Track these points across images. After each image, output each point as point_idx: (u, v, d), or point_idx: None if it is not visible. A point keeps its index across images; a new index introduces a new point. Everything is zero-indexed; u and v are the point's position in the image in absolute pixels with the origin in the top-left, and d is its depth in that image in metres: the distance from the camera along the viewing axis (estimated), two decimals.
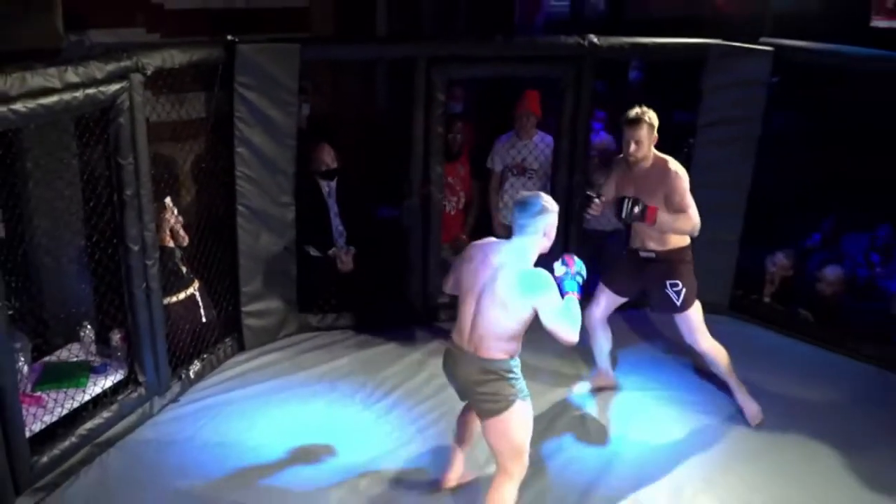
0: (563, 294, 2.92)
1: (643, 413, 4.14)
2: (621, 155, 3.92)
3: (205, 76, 4.14)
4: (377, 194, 5.24)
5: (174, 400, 4.05)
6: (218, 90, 4.16)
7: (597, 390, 4.28)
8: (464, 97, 5.50)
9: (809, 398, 4.24)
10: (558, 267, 3.04)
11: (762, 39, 4.86)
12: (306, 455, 3.65)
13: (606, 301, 4.10)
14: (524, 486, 3.10)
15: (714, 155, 4.88)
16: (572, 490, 3.46)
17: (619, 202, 3.72)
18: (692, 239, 3.91)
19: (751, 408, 4.01)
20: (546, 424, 3.91)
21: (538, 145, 5.08)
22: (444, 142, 4.76)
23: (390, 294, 4.99)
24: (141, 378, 3.83)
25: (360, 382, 4.29)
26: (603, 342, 4.18)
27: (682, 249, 3.91)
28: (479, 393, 2.92)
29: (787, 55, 4.74)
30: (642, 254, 3.96)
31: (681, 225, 3.76)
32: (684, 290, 3.86)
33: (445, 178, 4.88)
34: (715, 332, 4.02)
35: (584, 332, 3.27)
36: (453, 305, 3.24)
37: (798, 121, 5.59)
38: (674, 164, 3.80)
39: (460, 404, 3.30)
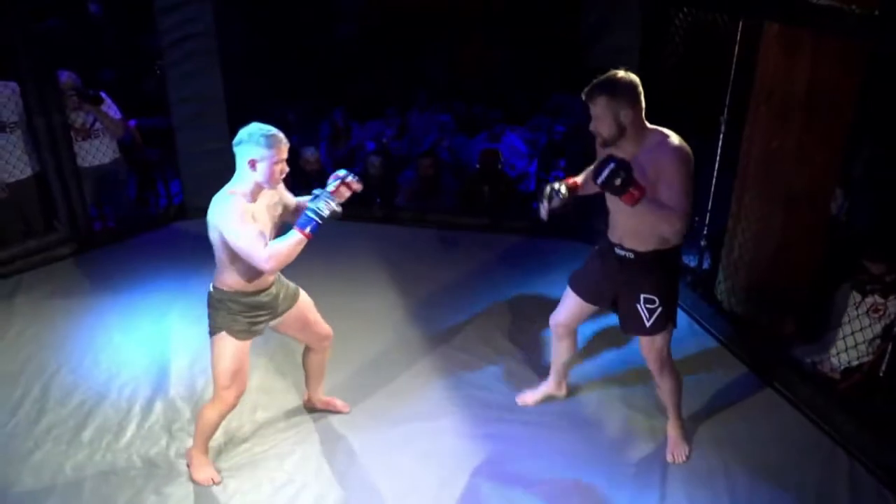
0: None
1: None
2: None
3: None
4: None
5: None
6: None
7: (545, 399, 3.69)
8: None
9: None
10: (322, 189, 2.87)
11: None
12: None
13: (571, 306, 3.34)
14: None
15: (183, 70, 5.25)
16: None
17: (601, 163, 2.76)
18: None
19: (679, 449, 3.34)
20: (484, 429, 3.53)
21: (4, 95, 4.82)
22: None
23: None
24: None
25: None
26: (560, 351, 3.53)
27: (667, 252, 3.02)
28: None
29: None
30: (618, 251, 3.08)
31: (661, 223, 2.85)
32: (660, 309, 3.05)
33: None
34: None
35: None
36: None
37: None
38: (673, 141, 2.84)
39: None
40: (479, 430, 3.50)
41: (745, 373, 3.92)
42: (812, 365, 3.77)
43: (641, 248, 3.01)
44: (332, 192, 2.83)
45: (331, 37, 8.56)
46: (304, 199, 2.98)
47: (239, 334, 3.00)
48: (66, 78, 4.95)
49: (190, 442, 3.33)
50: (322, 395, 3.62)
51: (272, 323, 3.13)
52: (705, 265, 4.62)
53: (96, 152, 5.13)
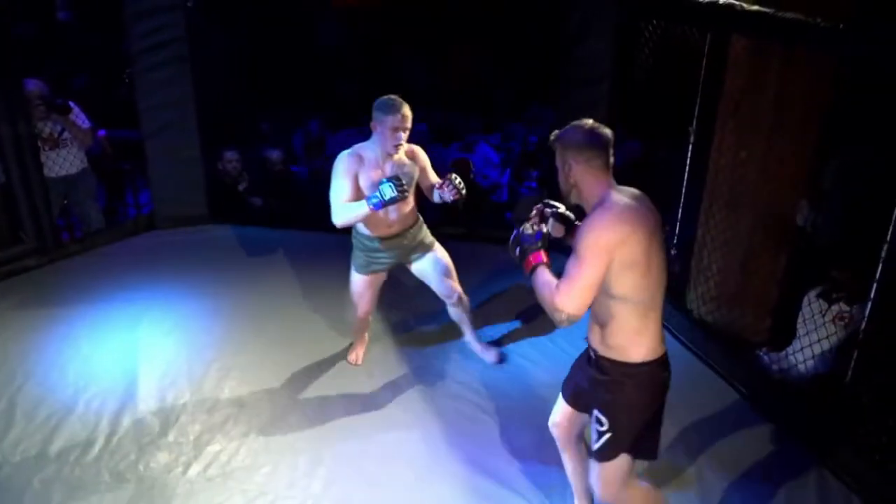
0: None
1: None
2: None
3: None
4: None
5: None
6: None
7: None
8: None
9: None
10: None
11: None
12: None
13: (561, 406, 2.76)
14: None
15: (154, 78, 5.20)
16: None
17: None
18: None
19: None
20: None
21: None
22: None
23: None
24: None
25: None
26: (569, 467, 2.89)
27: (634, 368, 2.38)
28: None
29: None
30: (588, 344, 2.55)
31: (545, 294, 2.28)
32: (608, 435, 2.44)
33: None
34: (201, 240, 4.32)
35: None
36: None
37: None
38: (601, 209, 2.33)
39: None
40: (454, 439, 3.50)
41: (715, 381, 3.97)
42: (780, 372, 3.82)
43: (601, 349, 2.42)
44: (397, 184, 3.24)
45: (310, 44, 8.52)
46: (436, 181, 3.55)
47: (358, 268, 3.67)
48: (34, 86, 4.88)
49: (160, 455, 3.32)
50: (475, 342, 4.05)
51: (411, 267, 3.74)
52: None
53: (63, 162, 5.06)
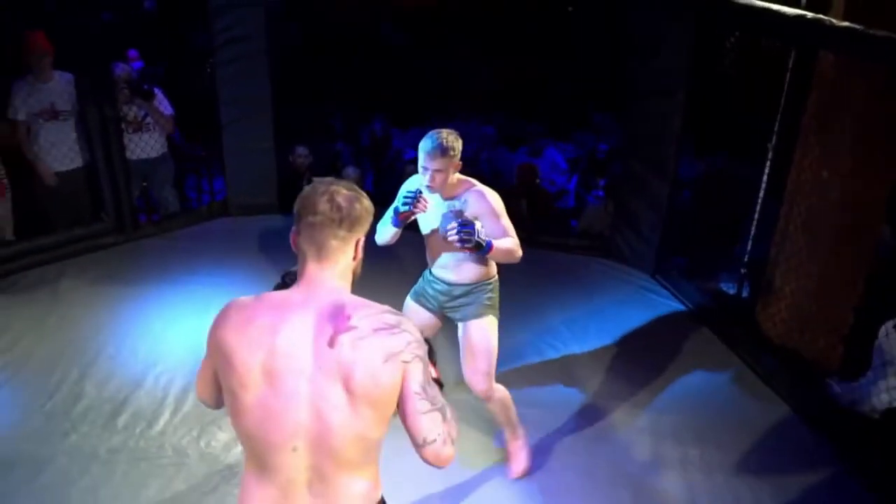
0: None
1: None
2: None
3: None
4: None
5: None
6: None
7: None
8: None
9: None
10: None
11: None
12: None
13: None
14: None
15: (234, 70, 5.34)
16: None
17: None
18: None
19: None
20: None
21: (61, 84, 4.95)
22: None
23: None
24: None
25: None
26: None
27: None
28: None
29: None
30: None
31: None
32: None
33: None
34: (270, 229, 4.38)
35: None
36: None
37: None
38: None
39: None
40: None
41: (781, 406, 3.85)
42: (851, 403, 3.69)
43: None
44: (409, 196, 2.91)
45: (379, 41, 8.63)
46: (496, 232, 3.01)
47: (413, 290, 3.26)
48: (121, 70, 5.07)
49: (220, 435, 3.41)
50: (507, 443, 3.36)
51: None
52: (745, 293, 4.56)
53: (145, 145, 5.23)
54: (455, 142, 2.88)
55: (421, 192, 2.89)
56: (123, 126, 5.07)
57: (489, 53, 8.61)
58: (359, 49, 8.03)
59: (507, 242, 2.91)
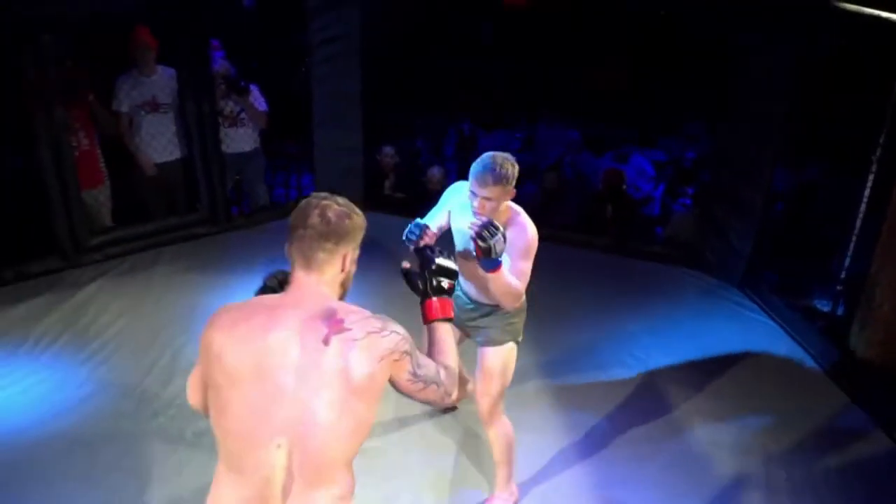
0: None
1: None
2: None
3: None
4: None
5: None
6: None
7: None
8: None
9: None
10: None
11: None
12: None
13: None
14: None
15: (327, 70, 5.46)
16: None
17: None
18: None
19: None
20: None
21: (163, 78, 5.18)
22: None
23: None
24: None
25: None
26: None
27: None
28: None
29: None
30: None
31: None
32: None
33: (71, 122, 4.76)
34: None
35: None
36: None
37: None
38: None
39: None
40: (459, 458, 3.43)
41: (877, 433, 3.67)
42: None
43: None
44: (415, 227, 2.67)
45: (475, 44, 8.65)
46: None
47: None
48: (220, 66, 5.26)
49: None
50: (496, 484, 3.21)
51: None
52: (839, 311, 4.37)
53: (239, 140, 5.40)
54: (511, 169, 2.63)
55: (428, 227, 2.66)
56: (220, 120, 5.26)
57: (581, 57, 8.53)
58: (455, 48, 8.05)
59: (514, 281, 2.69)
